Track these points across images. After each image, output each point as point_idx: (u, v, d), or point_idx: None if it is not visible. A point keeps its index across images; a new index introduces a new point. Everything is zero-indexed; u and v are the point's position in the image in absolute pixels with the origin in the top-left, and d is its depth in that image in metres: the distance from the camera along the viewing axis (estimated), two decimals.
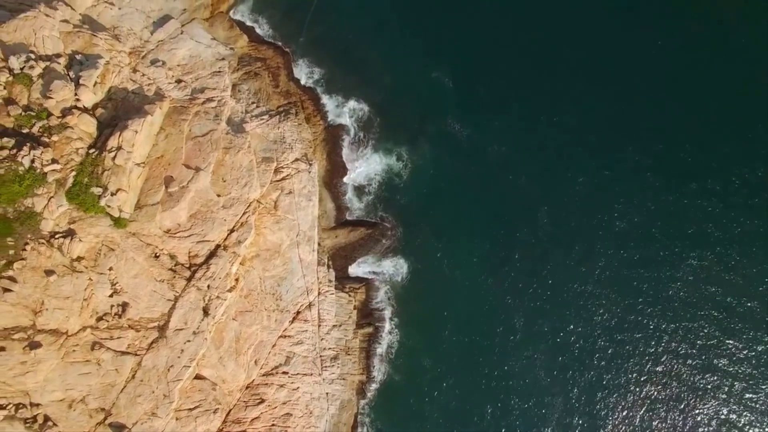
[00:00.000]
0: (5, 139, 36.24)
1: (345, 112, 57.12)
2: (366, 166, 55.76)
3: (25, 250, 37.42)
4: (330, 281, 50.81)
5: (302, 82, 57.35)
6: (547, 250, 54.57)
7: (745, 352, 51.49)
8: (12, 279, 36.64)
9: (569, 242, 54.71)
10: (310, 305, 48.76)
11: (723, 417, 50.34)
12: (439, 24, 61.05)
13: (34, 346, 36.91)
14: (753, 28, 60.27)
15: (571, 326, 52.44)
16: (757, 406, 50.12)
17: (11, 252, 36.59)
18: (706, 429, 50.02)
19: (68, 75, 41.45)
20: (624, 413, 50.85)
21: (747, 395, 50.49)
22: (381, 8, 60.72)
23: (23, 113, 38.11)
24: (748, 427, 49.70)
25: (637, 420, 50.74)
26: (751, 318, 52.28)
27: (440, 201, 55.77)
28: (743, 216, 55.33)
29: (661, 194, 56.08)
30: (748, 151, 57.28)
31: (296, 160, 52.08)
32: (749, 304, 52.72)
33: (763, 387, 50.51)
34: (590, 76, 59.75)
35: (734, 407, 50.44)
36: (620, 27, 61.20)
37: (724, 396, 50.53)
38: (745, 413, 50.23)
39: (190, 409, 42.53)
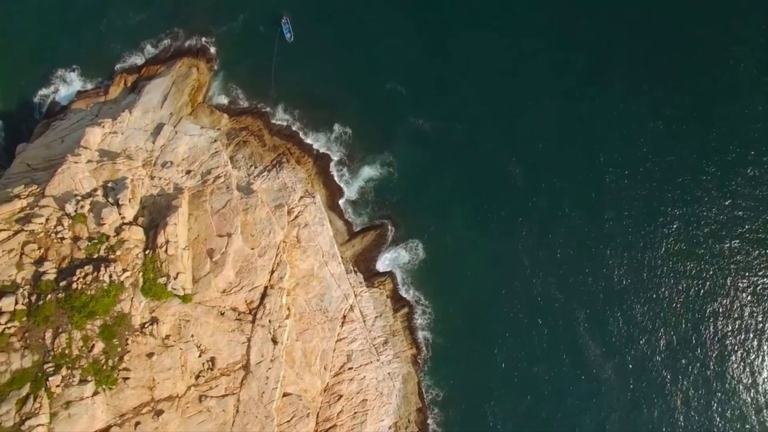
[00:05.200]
0: (86, 267, 42.69)
1: (326, 142, 62.67)
2: (357, 181, 61.51)
3: (127, 344, 42.36)
4: (361, 283, 57.22)
5: (284, 126, 62.52)
6: (525, 200, 61.17)
7: None
8: (127, 369, 41.58)
9: (541, 190, 61.53)
10: (351, 307, 54.76)
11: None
12: (379, 42, 66.51)
13: (158, 413, 41.85)
14: None
15: (568, 259, 60.01)
16: None
17: (119, 349, 42.36)
18: None
19: (108, 201, 47.30)
20: (625, 328, 58.53)
21: None
22: (328, 46, 66.24)
23: (89, 243, 44.55)
24: None
25: (641, 325, 58.62)
26: None
27: (428, 187, 62.05)
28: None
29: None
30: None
31: (301, 198, 57.20)
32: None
33: None
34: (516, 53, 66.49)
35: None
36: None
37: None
38: None
39: (288, 421, 47.95)
